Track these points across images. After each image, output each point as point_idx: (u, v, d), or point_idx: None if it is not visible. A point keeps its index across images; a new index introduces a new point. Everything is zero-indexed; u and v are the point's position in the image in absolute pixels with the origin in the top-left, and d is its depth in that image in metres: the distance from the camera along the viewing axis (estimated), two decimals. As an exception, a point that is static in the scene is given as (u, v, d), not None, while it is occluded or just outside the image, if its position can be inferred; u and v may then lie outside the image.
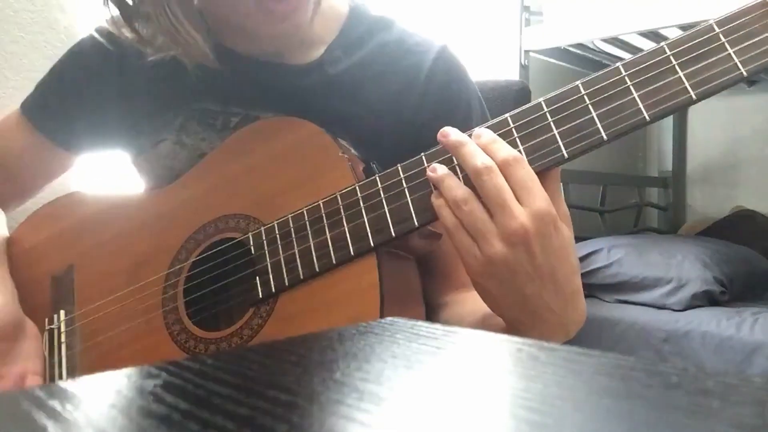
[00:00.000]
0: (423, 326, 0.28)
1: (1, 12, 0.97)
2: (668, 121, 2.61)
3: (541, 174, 0.49)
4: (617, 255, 1.80)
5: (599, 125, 0.48)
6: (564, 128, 0.49)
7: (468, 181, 0.49)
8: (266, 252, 0.57)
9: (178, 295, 0.61)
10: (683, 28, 0.46)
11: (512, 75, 1.88)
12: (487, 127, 0.51)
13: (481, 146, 0.49)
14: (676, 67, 0.47)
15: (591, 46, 2.12)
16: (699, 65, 0.47)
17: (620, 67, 0.49)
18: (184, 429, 0.17)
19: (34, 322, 0.66)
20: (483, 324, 0.56)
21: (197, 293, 0.61)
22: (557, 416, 0.17)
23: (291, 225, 0.57)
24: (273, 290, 0.56)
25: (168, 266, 0.62)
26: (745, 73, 0.46)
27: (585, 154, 0.49)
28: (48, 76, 0.76)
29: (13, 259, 0.71)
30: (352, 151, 0.63)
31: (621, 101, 0.48)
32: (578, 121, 0.49)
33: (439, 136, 0.51)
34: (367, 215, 0.54)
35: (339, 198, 0.55)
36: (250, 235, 0.59)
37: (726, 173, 2.52)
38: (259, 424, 0.17)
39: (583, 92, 0.49)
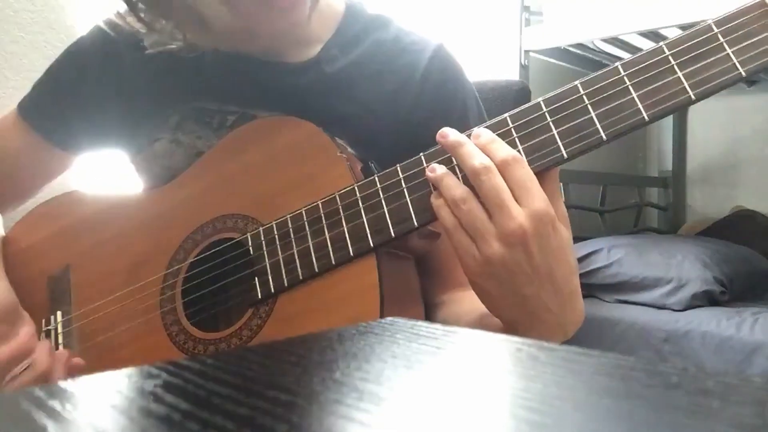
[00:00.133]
0: (423, 326, 0.28)
1: (1, 12, 0.97)
2: (668, 121, 2.61)
3: (540, 174, 0.49)
4: (617, 255, 1.80)
5: (598, 125, 0.48)
6: (563, 128, 0.49)
7: (467, 181, 0.49)
8: (265, 252, 0.57)
9: (177, 295, 0.61)
10: (683, 28, 0.46)
11: (512, 75, 1.88)
12: (486, 127, 0.51)
13: (480, 146, 0.49)
14: (675, 67, 0.47)
15: (591, 46, 2.12)
16: (698, 65, 0.47)
17: (619, 67, 0.49)
18: (184, 429, 0.17)
19: None
20: (480, 323, 0.56)
21: (196, 294, 0.61)
22: (557, 416, 0.17)
23: (290, 225, 0.57)
24: (272, 291, 0.56)
25: (166, 266, 0.62)
26: (743, 73, 0.46)
27: (584, 154, 0.49)
28: (44, 76, 0.76)
29: (8, 259, 0.70)
30: (350, 150, 0.63)
31: (620, 101, 0.48)
32: (577, 121, 0.49)
33: (438, 136, 0.51)
34: (366, 215, 0.54)
35: (338, 198, 0.55)
36: (248, 235, 0.59)
37: (726, 173, 2.52)
38: (259, 424, 0.17)
39: (582, 92, 0.49)
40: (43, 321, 0.66)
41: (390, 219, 0.53)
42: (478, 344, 0.26)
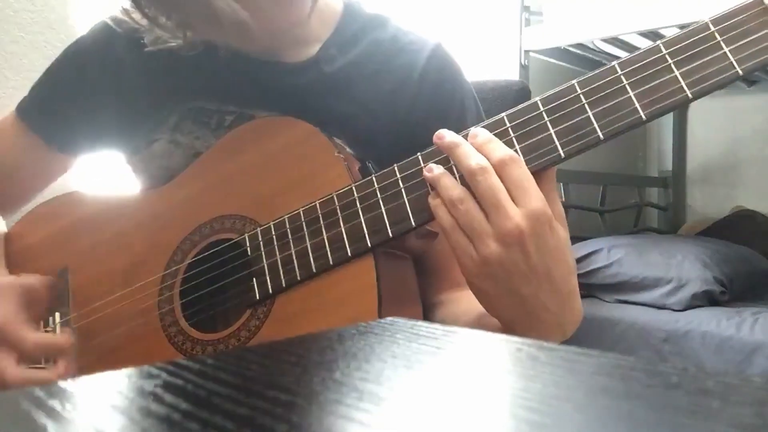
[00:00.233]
0: (423, 326, 0.28)
1: (1, 12, 0.97)
2: (668, 121, 2.61)
3: (537, 174, 0.49)
4: (617, 255, 1.80)
5: (595, 125, 0.48)
6: (560, 128, 0.49)
7: (464, 181, 0.49)
8: (263, 253, 0.57)
9: (175, 296, 0.61)
10: (683, 28, 0.46)
11: (512, 75, 1.88)
12: (484, 127, 0.51)
13: (477, 146, 0.49)
14: (672, 65, 0.47)
15: (591, 46, 2.12)
16: (695, 64, 0.47)
17: (616, 66, 0.49)
18: (184, 429, 0.17)
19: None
20: (478, 323, 0.56)
21: (194, 295, 0.61)
22: (557, 416, 0.17)
23: (287, 226, 0.57)
24: (270, 291, 0.56)
25: (164, 267, 0.62)
26: (740, 72, 0.46)
27: (581, 153, 0.49)
28: (43, 77, 0.76)
29: (7, 259, 0.70)
30: (348, 150, 0.63)
31: (617, 100, 0.48)
32: (574, 121, 0.49)
33: (434, 138, 0.51)
34: (364, 216, 0.54)
35: (336, 198, 0.55)
36: (246, 236, 0.59)
37: (726, 173, 2.52)
38: (258, 424, 0.17)
39: (579, 91, 0.49)
40: (42, 322, 0.66)
41: (388, 219, 0.53)
42: (478, 344, 0.26)
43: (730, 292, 1.71)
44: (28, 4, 1.00)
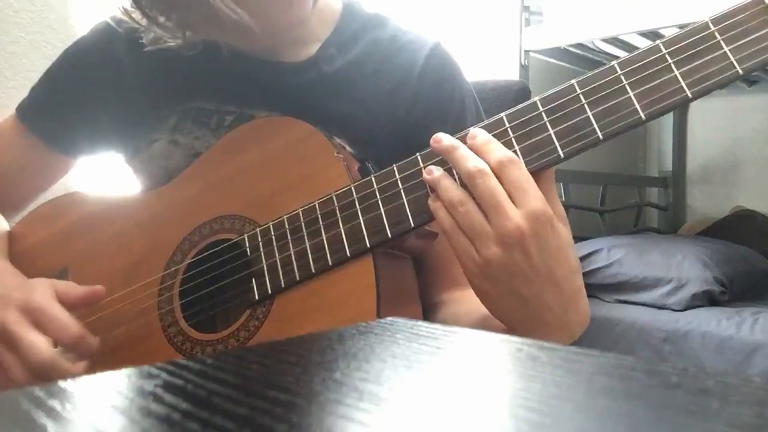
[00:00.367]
0: (423, 326, 0.28)
1: (1, 12, 0.97)
2: (668, 121, 2.61)
3: (535, 174, 0.49)
4: (617, 255, 1.80)
5: (595, 125, 0.48)
6: (560, 128, 0.49)
7: (465, 184, 0.49)
8: (262, 253, 0.57)
9: (174, 297, 0.61)
10: (683, 28, 0.46)
11: (512, 75, 1.88)
12: (483, 127, 0.51)
13: (476, 147, 0.49)
14: (672, 65, 0.47)
15: (591, 46, 2.12)
16: (695, 63, 0.47)
17: (615, 65, 0.49)
18: (184, 429, 0.17)
19: None
20: (482, 325, 0.56)
21: (194, 295, 0.61)
22: (556, 416, 0.17)
23: (287, 226, 0.57)
24: (269, 292, 0.56)
25: (163, 268, 0.62)
26: (740, 71, 0.46)
27: (581, 153, 0.49)
28: (43, 78, 0.76)
29: (10, 258, 0.70)
30: (348, 150, 0.63)
31: (617, 100, 0.48)
32: (574, 121, 0.49)
33: (431, 141, 0.50)
34: (363, 216, 0.54)
35: (335, 199, 0.55)
36: (245, 236, 0.59)
37: (726, 173, 2.52)
38: (258, 424, 0.17)
39: (578, 91, 0.49)
40: None
41: (387, 220, 0.53)
42: (478, 344, 0.26)
43: (730, 292, 1.71)
44: (28, 4, 1.00)
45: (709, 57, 0.46)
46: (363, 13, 0.72)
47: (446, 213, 0.49)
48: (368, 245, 0.53)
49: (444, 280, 0.67)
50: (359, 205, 0.54)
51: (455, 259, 0.50)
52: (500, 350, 0.25)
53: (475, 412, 0.18)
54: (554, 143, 0.49)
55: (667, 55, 0.47)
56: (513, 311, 0.50)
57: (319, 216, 0.55)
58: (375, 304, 0.51)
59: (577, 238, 1.98)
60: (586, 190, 2.25)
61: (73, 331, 0.55)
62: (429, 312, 0.67)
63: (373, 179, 0.54)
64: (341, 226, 0.54)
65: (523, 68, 1.91)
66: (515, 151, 0.50)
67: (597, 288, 1.80)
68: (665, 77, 0.47)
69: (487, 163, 0.48)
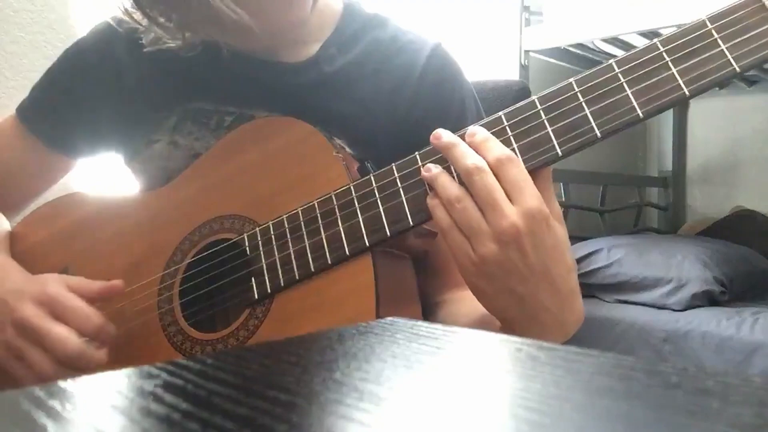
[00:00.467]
0: (423, 326, 0.28)
1: (1, 12, 0.97)
2: (668, 121, 2.61)
3: (533, 173, 0.49)
4: (617, 255, 1.80)
5: (593, 123, 0.48)
6: (558, 126, 0.49)
7: (462, 181, 0.49)
8: (261, 253, 0.57)
9: (174, 296, 0.61)
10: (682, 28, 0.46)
11: (512, 75, 1.88)
12: (481, 125, 0.51)
13: (474, 145, 0.49)
14: (669, 63, 0.47)
15: (591, 46, 2.12)
16: (692, 61, 0.47)
17: (613, 64, 0.49)
18: (184, 429, 0.17)
19: None
20: (480, 324, 0.56)
21: (193, 294, 0.61)
22: (556, 416, 0.17)
23: (286, 225, 0.57)
24: (269, 291, 0.56)
25: (163, 267, 0.62)
26: (738, 69, 0.46)
27: (579, 151, 0.49)
28: (43, 78, 0.76)
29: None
30: (347, 150, 0.63)
31: (614, 98, 0.48)
32: (572, 119, 0.49)
33: (431, 138, 0.51)
34: (362, 215, 0.54)
35: (334, 198, 0.55)
36: (245, 235, 0.59)
37: (726, 173, 2.52)
38: (258, 424, 0.17)
39: (576, 89, 0.49)
40: None
41: (386, 218, 0.53)
42: (478, 344, 0.26)
43: (730, 292, 1.71)
44: (28, 4, 1.00)
45: (706, 55, 0.46)
46: (363, 13, 0.72)
47: (443, 210, 0.49)
48: (367, 244, 0.53)
49: (444, 280, 0.67)
50: (358, 204, 0.54)
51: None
52: (500, 350, 0.25)
53: (475, 412, 0.18)
54: (552, 141, 0.49)
55: (664, 53, 0.48)
56: (508, 309, 0.50)
57: (319, 215, 0.55)
58: (374, 303, 0.51)
59: (577, 238, 1.98)
60: (586, 190, 2.25)
61: (95, 320, 0.56)
62: (429, 312, 0.67)
63: (371, 178, 0.54)
64: (340, 225, 0.54)
65: (523, 68, 1.91)
66: (513, 149, 0.50)
67: (597, 288, 1.80)
68: (662, 75, 0.47)
69: (485, 160, 0.48)
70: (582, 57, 2.19)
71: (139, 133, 0.71)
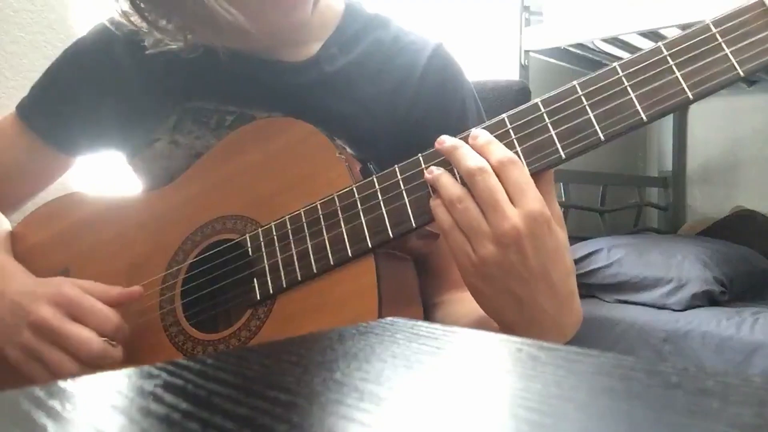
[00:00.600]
0: (423, 326, 0.28)
1: (1, 12, 0.97)
2: (668, 121, 2.61)
3: (535, 175, 0.49)
4: (617, 255, 1.80)
5: (597, 126, 0.48)
6: (561, 129, 0.49)
7: (465, 183, 0.49)
8: (264, 253, 0.57)
9: (176, 296, 0.61)
10: (683, 28, 0.46)
11: (512, 75, 1.88)
12: (485, 128, 0.51)
13: (477, 147, 0.49)
14: (674, 67, 0.47)
15: (591, 46, 2.12)
16: (696, 65, 0.47)
17: (617, 67, 0.49)
18: (184, 429, 0.17)
19: None
20: (479, 325, 0.56)
21: (195, 295, 0.61)
22: (557, 416, 0.17)
23: (288, 226, 0.57)
24: (271, 292, 0.56)
25: (165, 268, 0.62)
26: (742, 73, 0.46)
27: (582, 154, 0.49)
28: (43, 77, 0.76)
29: None
30: (349, 150, 0.63)
31: (618, 101, 0.48)
32: (576, 122, 0.49)
33: (435, 143, 0.51)
34: (364, 216, 0.54)
35: (336, 199, 0.55)
36: (247, 236, 0.59)
37: (726, 173, 2.52)
38: (259, 424, 0.17)
39: (580, 92, 0.49)
40: None
41: (388, 220, 0.53)
42: (478, 344, 0.26)
43: (730, 292, 1.71)
44: (28, 4, 1.00)
45: (711, 59, 0.46)
46: (365, 13, 0.72)
47: (444, 210, 0.49)
48: (370, 245, 0.53)
49: (446, 280, 0.67)
50: (361, 205, 0.54)
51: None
52: (500, 350, 0.25)
53: (475, 412, 0.18)
54: (556, 144, 0.49)
55: (668, 57, 0.48)
56: (507, 310, 0.50)
57: (321, 216, 0.55)
58: (376, 304, 0.51)
59: (577, 238, 1.98)
60: (586, 190, 2.24)
61: (114, 320, 0.56)
62: (429, 312, 0.67)
63: (375, 180, 0.54)
64: (343, 226, 0.54)
65: (523, 68, 1.91)
66: (517, 152, 0.50)
67: (597, 288, 1.80)
68: (667, 79, 0.47)
69: (487, 162, 0.48)
70: (582, 57, 2.19)
71: (139, 131, 0.71)
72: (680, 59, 0.47)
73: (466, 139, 0.50)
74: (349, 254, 0.53)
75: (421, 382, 0.21)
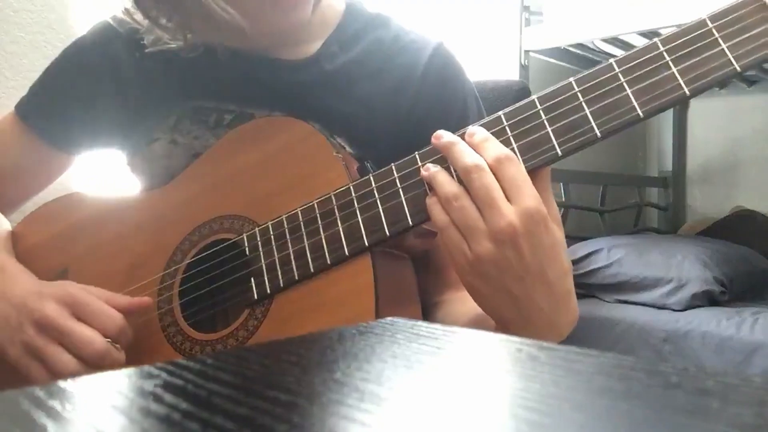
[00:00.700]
0: (423, 326, 0.28)
1: (1, 12, 0.97)
2: (668, 121, 2.61)
3: (532, 173, 0.49)
4: (617, 255, 1.80)
5: (593, 122, 0.48)
6: (557, 126, 0.49)
7: (461, 180, 0.49)
8: (261, 253, 0.57)
9: (174, 296, 0.61)
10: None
11: (512, 75, 1.88)
12: (481, 125, 0.51)
13: (474, 144, 0.49)
14: (670, 63, 0.47)
15: (591, 46, 2.12)
16: (692, 61, 0.47)
17: (613, 63, 0.49)
18: (184, 429, 0.17)
19: None
20: (477, 324, 0.56)
21: (193, 295, 0.61)
22: (556, 416, 0.17)
23: (285, 225, 0.57)
24: (268, 291, 0.56)
25: (163, 268, 0.62)
26: (738, 68, 0.45)
27: (578, 151, 0.49)
28: (42, 76, 0.76)
29: None
30: (347, 149, 0.63)
31: (614, 98, 0.48)
32: (572, 119, 0.49)
33: (432, 138, 0.51)
34: (361, 215, 0.54)
35: (333, 198, 0.55)
36: (244, 236, 0.59)
37: (726, 173, 2.52)
38: (259, 424, 0.17)
39: (576, 89, 0.49)
40: None
41: (385, 218, 0.53)
42: (478, 344, 0.26)
43: (730, 292, 1.71)
44: (28, 4, 0.99)
45: (707, 54, 0.46)
46: (365, 12, 0.72)
47: (440, 208, 0.49)
48: (367, 244, 0.53)
49: (446, 280, 0.67)
50: (358, 204, 0.54)
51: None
52: (500, 350, 0.25)
53: (475, 412, 0.18)
54: (552, 141, 0.49)
55: (664, 53, 0.47)
56: (503, 309, 0.50)
57: (318, 215, 0.55)
58: (374, 303, 0.51)
59: (577, 238, 1.98)
60: (586, 190, 2.24)
61: (118, 321, 0.56)
62: (429, 311, 0.67)
63: (371, 178, 0.54)
64: (340, 225, 0.54)
65: (523, 68, 1.91)
66: (513, 149, 0.50)
67: (597, 288, 1.80)
68: (663, 75, 0.47)
69: (484, 159, 0.48)
70: (582, 57, 2.19)
71: (139, 130, 0.71)
72: (676, 55, 0.47)
73: (463, 137, 0.50)
74: (346, 253, 0.53)
75: (421, 383, 0.21)
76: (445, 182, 0.49)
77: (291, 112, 0.64)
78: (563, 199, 2.04)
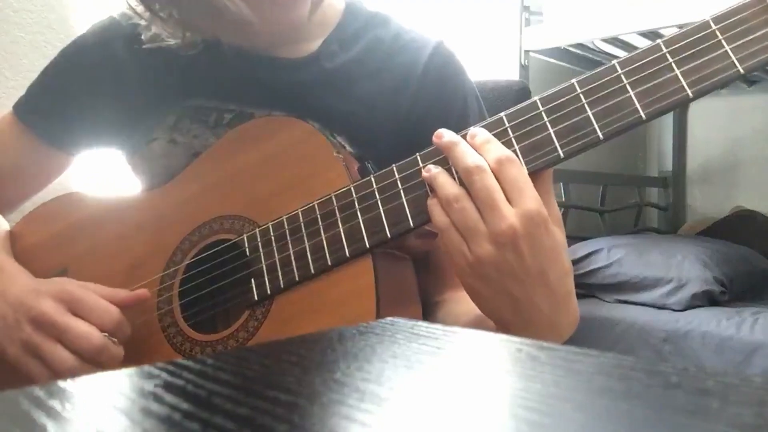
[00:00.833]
0: (423, 326, 0.28)
1: (1, 12, 0.97)
2: (668, 121, 2.61)
3: (533, 175, 0.48)
4: (617, 255, 1.80)
5: (595, 125, 0.48)
6: (560, 127, 0.49)
7: (462, 182, 0.49)
8: (261, 254, 0.57)
9: (174, 297, 0.61)
10: (683, 28, 0.46)
11: (512, 75, 1.88)
12: (483, 126, 0.51)
13: (475, 146, 0.49)
14: (673, 64, 0.47)
15: (591, 46, 2.12)
16: (696, 63, 0.46)
17: (616, 65, 0.49)
18: (185, 429, 0.17)
19: None
20: (477, 324, 0.56)
21: (193, 295, 0.60)
22: (557, 416, 0.17)
23: (286, 226, 0.57)
24: (268, 292, 0.56)
25: (163, 268, 0.62)
26: (741, 70, 0.45)
27: (581, 153, 0.49)
28: (40, 75, 0.76)
29: None
30: (347, 148, 0.63)
31: (617, 100, 0.48)
32: (574, 120, 0.49)
33: (433, 137, 0.51)
34: (362, 216, 0.54)
35: (334, 199, 0.55)
36: (244, 236, 0.59)
37: (726, 173, 2.52)
38: (259, 424, 0.17)
39: (578, 91, 0.49)
40: None
41: (386, 220, 0.53)
42: (478, 344, 0.26)
43: (730, 292, 1.71)
44: (28, 4, 1.00)
45: (710, 56, 0.46)
46: (365, 11, 0.72)
47: (441, 210, 0.49)
48: (367, 245, 0.53)
49: (446, 280, 0.67)
50: (358, 205, 0.54)
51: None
52: (500, 350, 0.25)
53: (475, 412, 0.18)
54: (554, 143, 0.49)
55: (667, 54, 0.47)
56: (503, 310, 0.50)
57: (319, 216, 0.55)
58: (374, 304, 0.51)
59: (577, 238, 1.98)
60: (586, 190, 2.24)
61: (115, 315, 0.56)
62: (430, 311, 0.67)
63: (372, 179, 0.54)
64: (340, 226, 0.54)
65: (523, 68, 1.91)
66: (515, 151, 0.49)
67: (597, 288, 1.80)
68: (666, 76, 0.47)
69: (485, 161, 0.48)
70: (582, 57, 2.19)
71: (138, 129, 0.71)
72: (680, 57, 0.47)
73: (464, 138, 0.50)
74: (347, 254, 0.53)
75: (421, 383, 0.21)
76: (445, 183, 0.49)
77: (291, 111, 0.64)
78: (563, 199, 2.04)
